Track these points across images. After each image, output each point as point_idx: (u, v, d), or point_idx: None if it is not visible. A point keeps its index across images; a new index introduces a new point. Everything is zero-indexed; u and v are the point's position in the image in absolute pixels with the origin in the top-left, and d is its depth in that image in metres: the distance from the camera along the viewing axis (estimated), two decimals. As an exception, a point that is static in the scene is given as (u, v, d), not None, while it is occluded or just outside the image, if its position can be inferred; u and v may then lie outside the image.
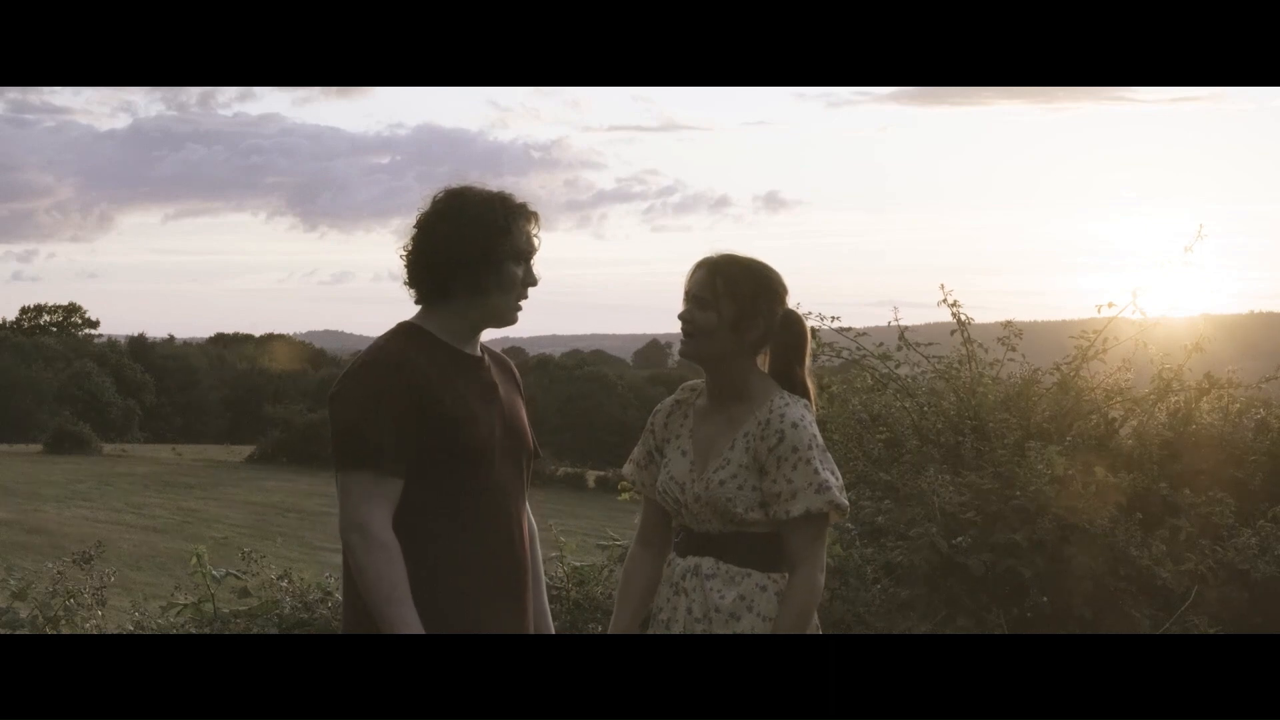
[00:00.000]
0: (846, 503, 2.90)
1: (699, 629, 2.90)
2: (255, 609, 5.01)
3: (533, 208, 2.86)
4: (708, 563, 2.91)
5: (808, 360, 3.02)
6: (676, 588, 2.96)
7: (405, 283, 2.84)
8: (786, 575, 2.90)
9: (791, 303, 3.05)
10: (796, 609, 2.85)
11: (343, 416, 2.73)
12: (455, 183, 2.85)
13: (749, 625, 2.86)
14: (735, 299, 2.91)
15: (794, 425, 2.87)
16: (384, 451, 2.68)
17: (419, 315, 2.84)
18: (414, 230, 2.83)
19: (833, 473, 2.89)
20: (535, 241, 2.87)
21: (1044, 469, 5.30)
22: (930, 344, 6.42)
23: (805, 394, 2.98)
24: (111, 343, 68.12)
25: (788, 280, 3.00)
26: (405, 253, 2.83)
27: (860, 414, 6.67)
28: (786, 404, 2.91)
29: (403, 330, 2.82)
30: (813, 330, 6.16)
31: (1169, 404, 6.40)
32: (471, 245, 2.76)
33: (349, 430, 2.71)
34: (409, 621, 2.62)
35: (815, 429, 2.91)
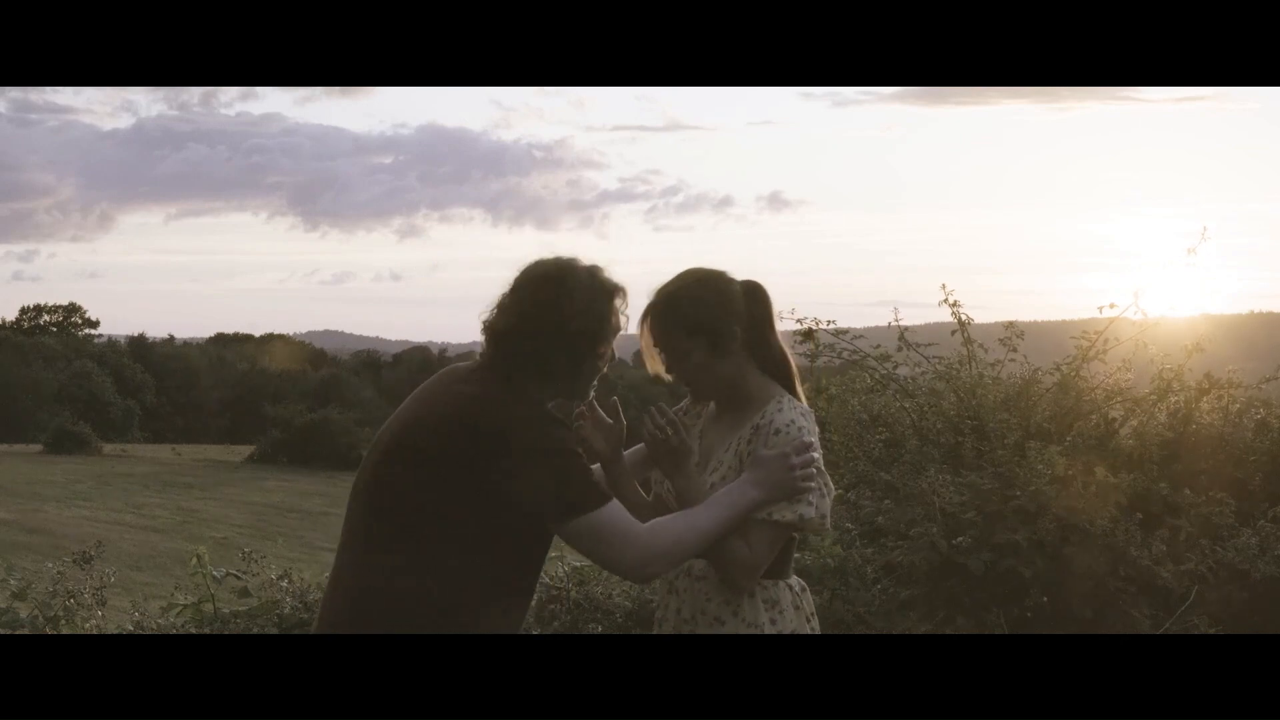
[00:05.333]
0: (813, 515, 2.81)
1: (686, 630, 2.89)
2: (255, 609, 5.01)
3: (621, 283, 2.82)
4: (699, 564, 2.87)
5: (777, 326, 2.96)
6: (670, 587, 2.95)
7: (489, 344, 2.77)
8: (776, 582, 2.87)
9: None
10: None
11: (557, 468, 2.65)
12: (555, 265, 2.75)
13: (732, 630, 2.84)
14: (700, 331, 2.85)
15: (778, 431, 2.82)
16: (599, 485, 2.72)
17: (506, 374, 2.74)
18: (512, 305, 2.74)
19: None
20: (624, 323, 2.83)
21: (1044, 469, 5.30)
22: (930, 345, 6.42)
23: (782, 360, 2.93)
24: (111, 343, 68.12)
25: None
26: (497, 328, 2.75)
27: (860, 414, 6.67)
28: (779, 409, 2.86)
29: (521, 384, 2.73)
30: (810, 331, 6.22)
31: (1169, 404, 6.39)
32: (577, 356, 2.75)
33: (574, 479, 2.66)
34: (727, 505, 2.76)
35: (807, 438, 2.82)
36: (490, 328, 2.77)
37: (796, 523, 2.80)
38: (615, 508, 2.69)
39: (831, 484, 2.91)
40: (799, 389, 2.96)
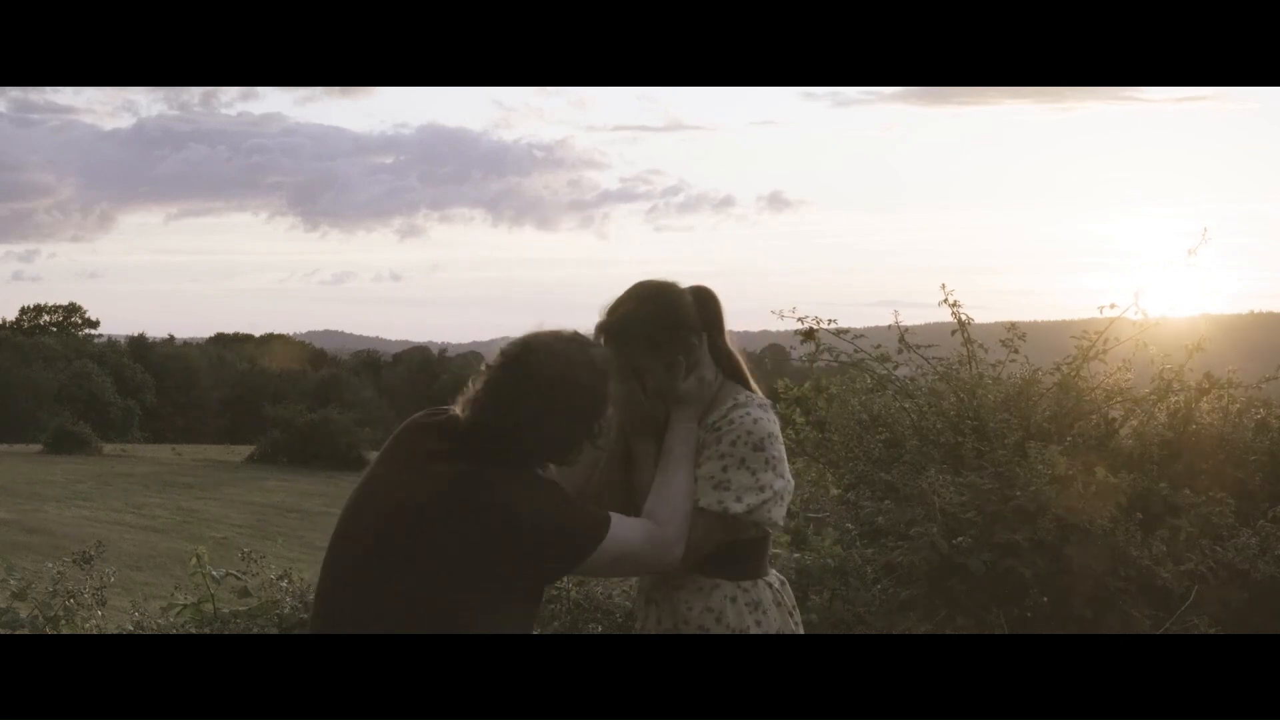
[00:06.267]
0: (741, 510, 2.75)
1: None
2: (255, 609, 5.01)
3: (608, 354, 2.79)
4: (676, 574, 2.84)
5: (726, 331, 2.93)
6: (648, 597, 2.93)
7: (475, 426, 2.67)
8: (755, 581, 2.85)
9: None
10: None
11: (557, 518, 2.64)
12: (557, 362, 2.66)
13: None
14: (659, 348, 2.82)
15: (731, 423, 2.80)
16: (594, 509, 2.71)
17: (494, 453, 2.66)
18: (509, 399, 2.65)
19: (753, 478, 2.76)
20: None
21: (1044, 469, 5.30)
22: (931, 345, 6.42)
23: (731, 360, 2.91)
24: (111, 343, 68.22)
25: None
26: (490, 420, 2.66)
27: (860, 415, 6.67)
28: (733, 406, 2.84)
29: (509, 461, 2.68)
30: (811, 331, 6.22)
31: (1169, 404, 6.39)
32: (575, 444, 2.72)
33: (575, 521, 2.65)
34: (682, 454, 2.80)
35: (760, 434, 2.79)
36: (480, 415, 2.66)
37: (723, 514, 2.76)
38: (618, 522, 2.68)
39: (789, 476, 2.85)
40: (753, 384, 2.93)
